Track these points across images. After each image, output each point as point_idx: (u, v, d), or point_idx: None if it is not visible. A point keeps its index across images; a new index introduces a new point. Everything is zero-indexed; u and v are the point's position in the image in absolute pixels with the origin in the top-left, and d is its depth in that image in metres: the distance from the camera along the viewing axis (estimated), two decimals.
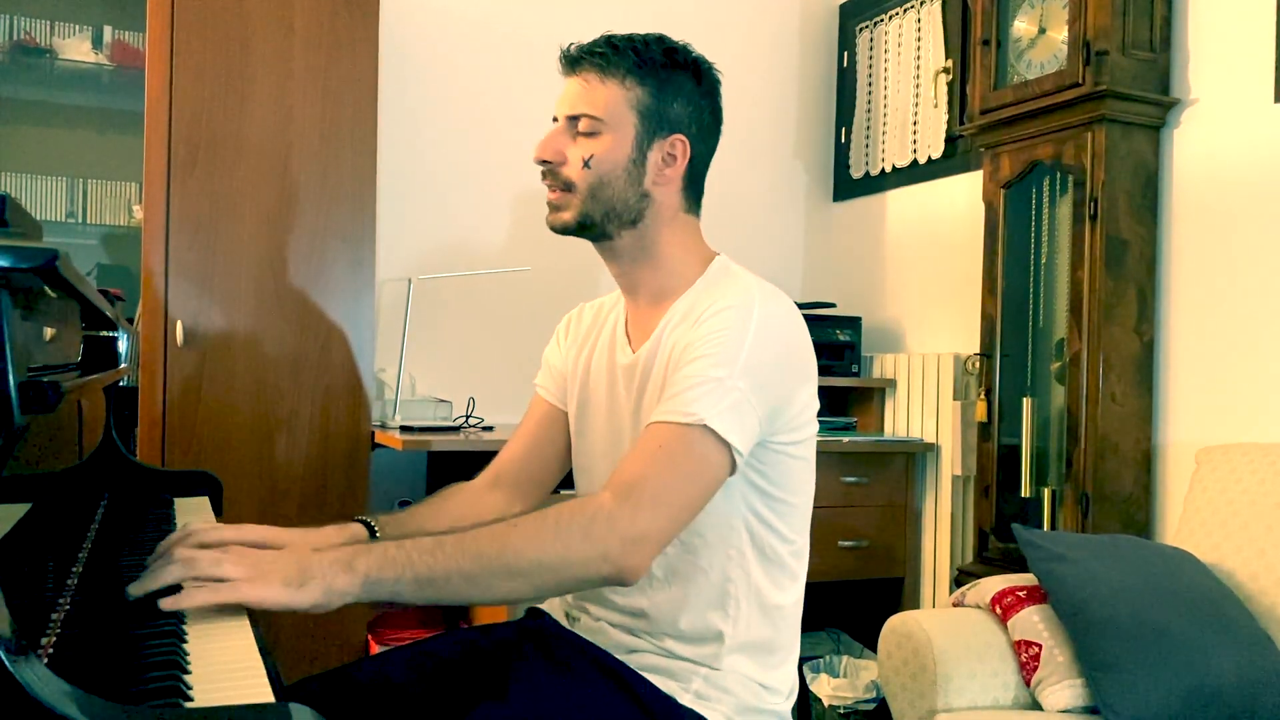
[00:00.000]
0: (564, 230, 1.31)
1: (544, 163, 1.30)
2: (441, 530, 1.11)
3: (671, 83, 1.29)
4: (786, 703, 1.31)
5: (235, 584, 0.99)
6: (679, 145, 1.29)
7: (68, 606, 0.94)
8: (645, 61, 1.27)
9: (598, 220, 1.29)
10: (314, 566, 1.02)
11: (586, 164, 1.27)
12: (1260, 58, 2.31)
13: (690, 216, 1.35)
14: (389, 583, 1.04)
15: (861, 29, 3.55)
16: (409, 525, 1.39)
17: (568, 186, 1.29)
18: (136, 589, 1.00)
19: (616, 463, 1.31)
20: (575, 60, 1.30)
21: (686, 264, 1.33)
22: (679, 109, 1.29)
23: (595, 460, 1.39)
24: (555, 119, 1.31)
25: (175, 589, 0.99)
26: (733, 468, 1.17)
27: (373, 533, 1.35)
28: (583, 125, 1.27)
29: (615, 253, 1.34)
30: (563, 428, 1.47)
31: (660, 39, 1.31)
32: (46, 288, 0.96)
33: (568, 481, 1.48)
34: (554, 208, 1.31)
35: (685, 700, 1.23)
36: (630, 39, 1.29)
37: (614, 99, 1.27)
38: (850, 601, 3.20)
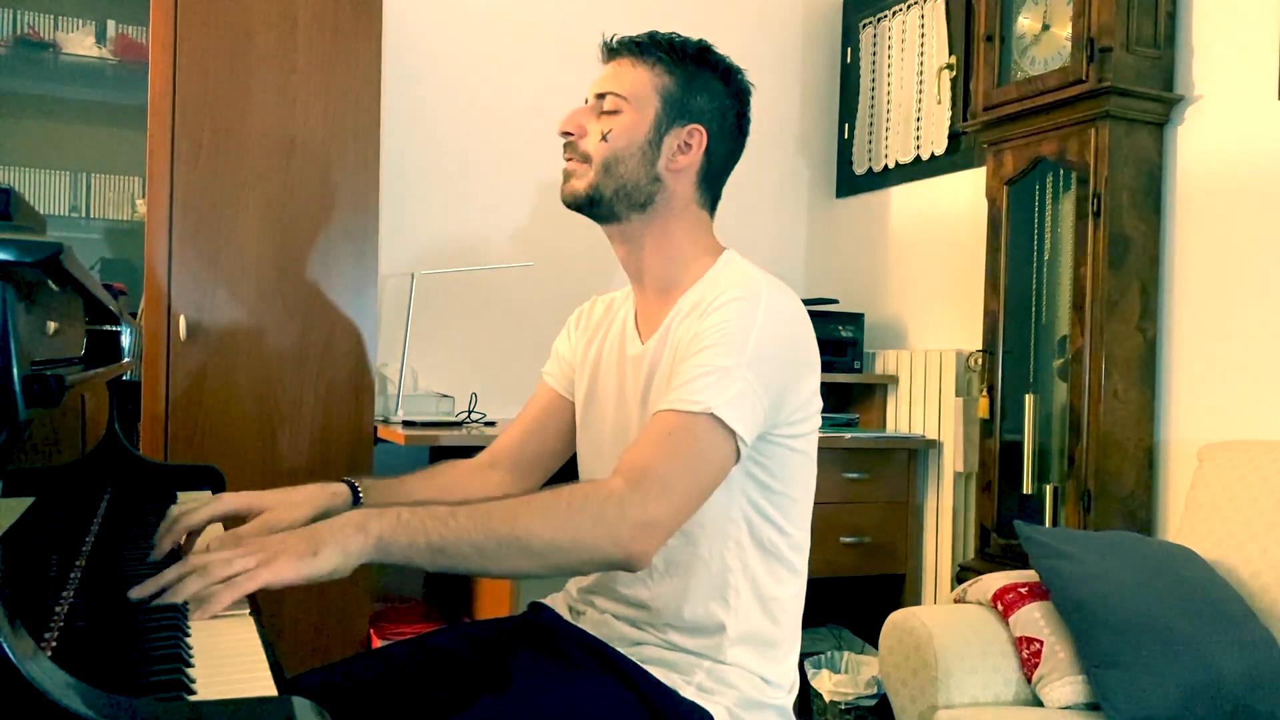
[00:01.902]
0: (575, 201, 1.34)
1: (565, 134, 1.34)
2: (455, 501, 1.11)
3: (700, 77, 1.33)
4: (788, 697, 1.31)
5: (252, 573, 0.99)
6: (696, 135, 1.32)
7: (71, 600, 0.95)
8: (678, 53, 1.32)
9: (608, 196, 1.32)
10: (323, 533, 1.02)
11: (604, 137, 1.31)
12: (1264, 54, 2.30)
13: (703, 212, 1.37)
14: (402, 546, 1.04)
15: (865, 25, 3.54)
16: (397, 491, 1.41)
17: (584, 158, 1.32)
18: (141, 592, 1.00)
19: (622, 453, 1.32)
20: (614, 48, 1.35)
21: (694, 256, 1.34)
22: (702, 102, 1.32)
23: (602, 448, 1.40)
24: (586, 100, 1.36)
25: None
26: (738, 456, 1.18)
27: (356, 493, 1.36)
28: (608, 103, 1.32)
29: (624, 235, 1.36)
30: (566, 416, 1.48)
31: (701, 41, 1.36)
32: (50, 282, 0.96)
33: (568, 472, 1.48)
34: (568, 176, 1.34)
35: (687, 693, 1.23)
36: (671, 34, 1.34)
37: (641, 80, 1.31)
38: (851, 597, 3.20)
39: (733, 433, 1.16)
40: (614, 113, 1.31)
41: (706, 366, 1.18)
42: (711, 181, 1.36)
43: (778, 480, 1.27)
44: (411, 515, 1.05)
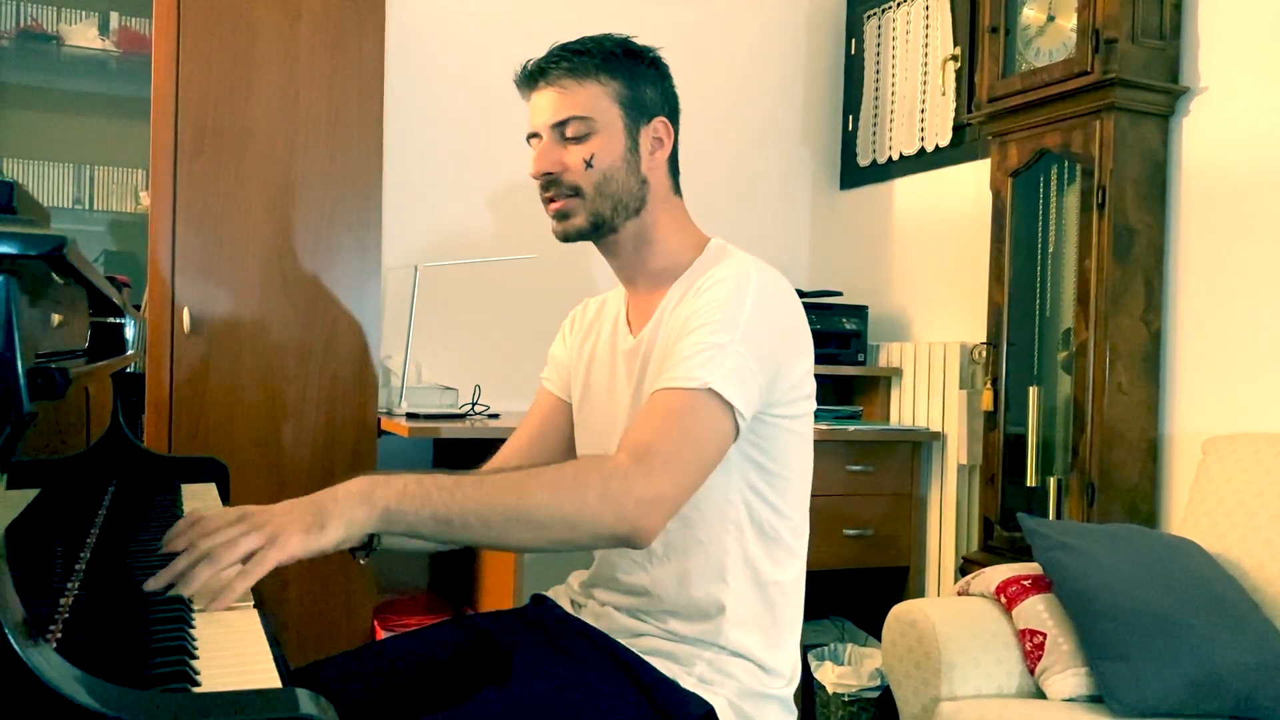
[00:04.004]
0: (577, 236, 1.34)
1: (545, 174, 1.33)
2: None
3: (637, 71, 1.34)
4: (788, 687, 1.32)
5: (260, 555, 0.98)
6: (662, 128, 1.35)
7: (76, 592, 0.95)
8: (609, 56, 1.32)
9: (608, 216, 1.33)
10: (329, 505, 1.03)
11: (589, 164, 1.31)
12: (1270, 46, 2.29)
13: (678, 199, 1.40)
14: (408, 515, 1.04)
15: (869, 16, 3.53)
16: None
17: (575, 191, 1.32)
18: (155, 584, 0.99)
19: (611, 448, 1.32)
20: (542, 72, 1.33)
21: (683, 246, 1.37)
22: (652, 94, 1.35)
23: (594, 446, 1.41)
24: (535, 136, 1.34)
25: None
26: (737, 432, 1.19)
27: None
28: (571, 130, 1.31)
29: (618, 245, 1.37)
30: (567, 419, 1.49)
31: (609, 35, 1.35)
32: (54, 274, 0.96)
33: None
34: (562, 216, 1.34)
35: (688, 684, 1.24)
36: (583, 41, 1.33)
37: (594, 96, 1.31)
38: (855, 590, 3.20)
39: (731, 408, 1.17)
40: (583, 137, 1.31)
41: (701, 344, 1.19)
42: (674, 165, 1.39)
43: (775, 462, 1.28)
44: (418, 486, 1.05)
